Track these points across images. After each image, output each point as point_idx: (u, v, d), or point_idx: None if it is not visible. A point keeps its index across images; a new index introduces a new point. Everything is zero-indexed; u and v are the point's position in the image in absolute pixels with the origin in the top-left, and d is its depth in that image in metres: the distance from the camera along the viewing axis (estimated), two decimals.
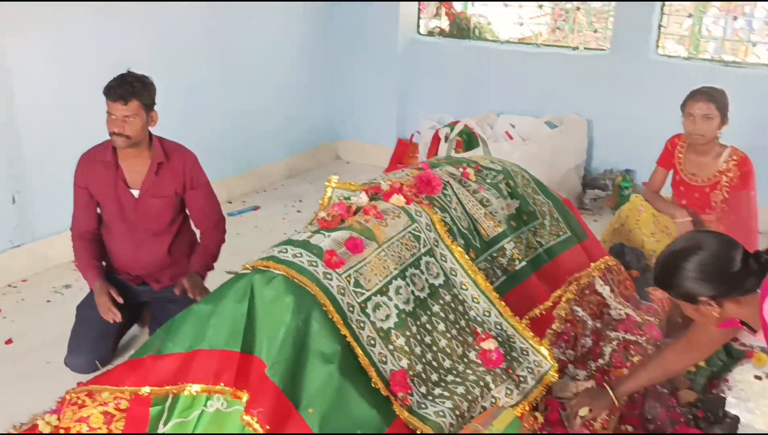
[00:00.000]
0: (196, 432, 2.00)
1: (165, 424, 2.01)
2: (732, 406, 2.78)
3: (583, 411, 2.28)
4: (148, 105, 2.73)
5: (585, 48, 5.05)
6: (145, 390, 2.02)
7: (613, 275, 3.08)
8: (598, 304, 2.90)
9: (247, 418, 1.90)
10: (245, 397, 1.97)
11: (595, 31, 5.03)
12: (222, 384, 1.99)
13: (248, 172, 5.11)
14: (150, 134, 2.83)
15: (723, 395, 2.88)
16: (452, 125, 4.88)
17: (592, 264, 2.95)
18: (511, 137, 4.82)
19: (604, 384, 2.35)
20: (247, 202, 4.94)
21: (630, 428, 2.62)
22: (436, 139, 4.88)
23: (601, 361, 2.67)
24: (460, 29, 5.57)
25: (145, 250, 2.91)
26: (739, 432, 2.69)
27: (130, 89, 2.65)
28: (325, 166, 5.69)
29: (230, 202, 4.83)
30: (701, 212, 3.52)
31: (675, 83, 4.54)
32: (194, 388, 2.01)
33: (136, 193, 2.84)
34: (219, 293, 2.13)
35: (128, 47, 3.85)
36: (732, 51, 4.79)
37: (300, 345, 1.98)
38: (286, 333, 1.98)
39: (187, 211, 3.00)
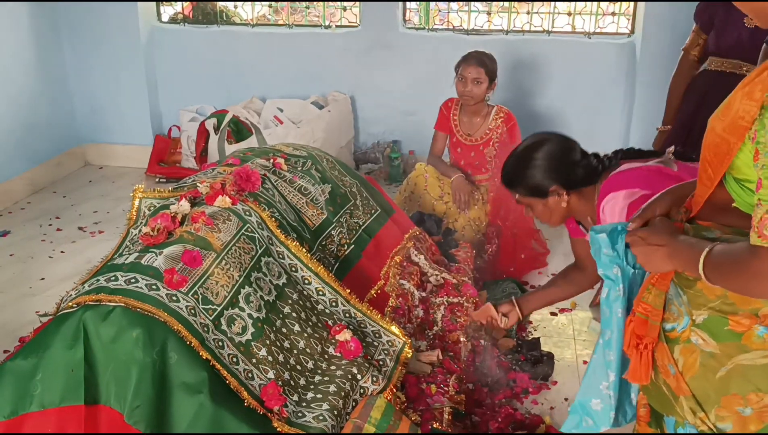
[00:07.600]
0: None
1: None
2: (543, 345, 3.06)
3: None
4: None
5: (337, 26, 5.09)
6: None
7: (421, 244, 3.19)
8: (417, 274, 2.99)
9: None
10: None
11: (345, 9, 5.07)
12: None
13: None
14: None
15: (534, 337, 3.16)
16: (217, 115, 4.64)
17: (405, 236, 3.03)
18: (280, 121, 4.72)
19: (512, 299, 2.51)
20: None
21: (471, 386, 2.76)
22: (202, 132, 4.60)
23: (435, 328, 2.76)
24: (205, 14, 5.29)
25: None
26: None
27: None
28: (75, 176, 5.07)
29: None
30: (478, 171, 3.79)
31: (424, 53, 4.81)
32: None
33: None
34: (40, 342, 1.77)
35: None
36: (459, 20, 5.05)
37: (160, 381, 1.74)
38: (140, 372, 1.72)
39: None
